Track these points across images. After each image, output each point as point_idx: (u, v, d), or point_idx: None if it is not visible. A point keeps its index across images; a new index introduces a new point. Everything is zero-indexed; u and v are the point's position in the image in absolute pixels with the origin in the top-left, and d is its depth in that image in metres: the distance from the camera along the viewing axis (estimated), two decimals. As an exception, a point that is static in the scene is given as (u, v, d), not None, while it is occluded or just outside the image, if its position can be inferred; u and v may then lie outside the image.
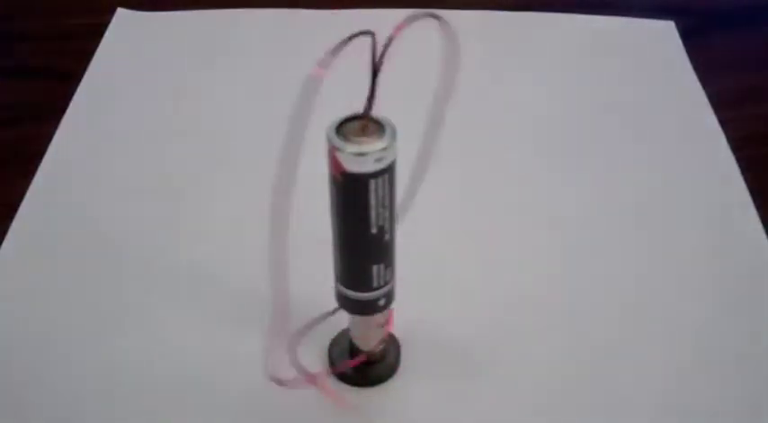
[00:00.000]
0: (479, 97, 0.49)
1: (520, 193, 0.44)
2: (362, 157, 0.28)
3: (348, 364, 0.34)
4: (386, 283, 0.32)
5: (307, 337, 0.35)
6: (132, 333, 0.37)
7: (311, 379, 0.32)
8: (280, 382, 0.32)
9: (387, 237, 0.30)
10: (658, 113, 0.49)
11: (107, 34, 0.54)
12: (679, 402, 0.34)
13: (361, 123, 0.28)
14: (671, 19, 0.55)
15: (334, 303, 0.33)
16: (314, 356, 0.35)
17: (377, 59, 0.27)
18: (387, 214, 0.30)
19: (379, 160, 0.28)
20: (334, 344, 0.35)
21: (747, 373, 0.35)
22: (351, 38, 0.26)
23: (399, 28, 0.26)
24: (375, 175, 0.28)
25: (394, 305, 0.33)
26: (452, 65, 0.28)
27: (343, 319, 0.34)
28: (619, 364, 0.36)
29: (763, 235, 0.41)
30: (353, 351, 0.34)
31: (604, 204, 0.43)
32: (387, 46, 0.27)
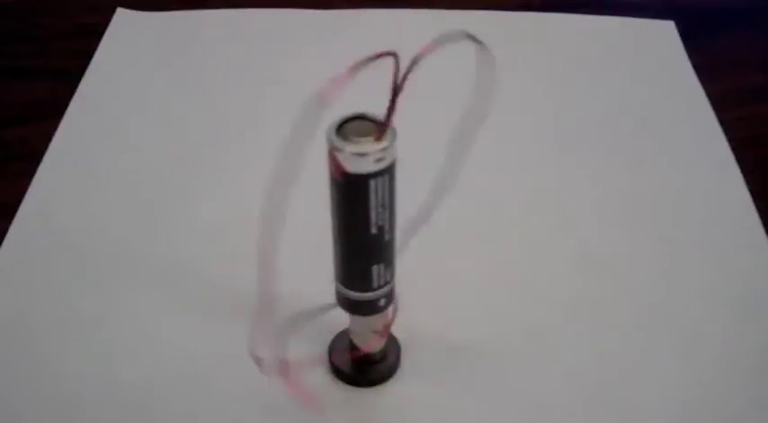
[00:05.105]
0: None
1: (519, 191, 0.44)
2: (362, 157, 0.28)
3: (345, 357, 0.34)
4: (386, 284, 0.32)
5: (303, 334, 0.35)
6: (132, 332, 0.37)
7: (283, 368, 0.31)
8: (258, 362, 0.31)
9: (387, 237, 0.30)
10: (658, 114, 0.49)
11: (107, 34, 0.54)
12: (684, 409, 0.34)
13: (362, 124, 0.28)
14: (671, 19, 0.55)
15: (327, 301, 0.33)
16: (314, 357, 0.35)
17: (399, 80, 0.27)
18: (387, 214, 0.30)
19: (379, 160, 0.28)
20: (334, 344, 0.35)
21: (747, 374, 0.35)
22: (374, 58, 0.26)
23: (427, 49, 0.26)
24: (375, 175, 0.28)
25: (393, 306, 0.33)
26: (487, 88, 0.28)
27: (344, 320, 0.34)
28: (621, 364, 0.36)
29: (764, 235, 0.41)
30: (353, 351, 0.34)
31: (603, 205, 0.43)
32: (411, 67, 0.26)
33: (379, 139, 0.28)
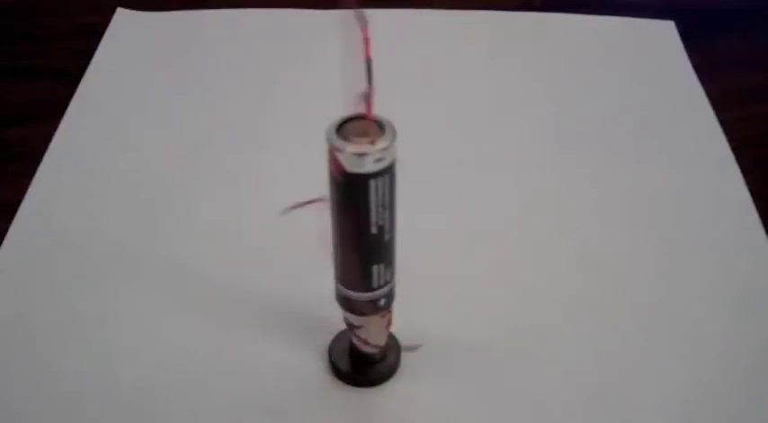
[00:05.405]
0: (480, 97, 0.50)
1: (519, 191, 0.44)
2: (362, 157, 0.28)
3: (345, 357, 0.34)
4: (386, 283, 0.32)
5: (303, 334, 0.35)
6: (132, 332, 0.37)
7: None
8: None
9: (387, 237, 0.30)
10: (658, 114, 0.49)
11: (107, 34, 0.54)
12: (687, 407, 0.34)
13: (362, 124, 0.28)
14: (671, 19, 0.55)
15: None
16: (314, 357, 0.35)
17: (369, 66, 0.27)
18: (387, 214, 0.30)
19: (379, 160, 0.28)
20: (334, 344, 0.35)
21: (747, 374, 0.35)
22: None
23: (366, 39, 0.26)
24: (375, 175, 0.28)
25: (394, 305, 0.33)
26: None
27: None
28: (621, 364, 0.36)
29: (764, 235, 0.41)
30: (353, 351, 0.34)
31: (603, 205, 0.43)
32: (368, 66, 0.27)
33: (373, 141, 0.28)
